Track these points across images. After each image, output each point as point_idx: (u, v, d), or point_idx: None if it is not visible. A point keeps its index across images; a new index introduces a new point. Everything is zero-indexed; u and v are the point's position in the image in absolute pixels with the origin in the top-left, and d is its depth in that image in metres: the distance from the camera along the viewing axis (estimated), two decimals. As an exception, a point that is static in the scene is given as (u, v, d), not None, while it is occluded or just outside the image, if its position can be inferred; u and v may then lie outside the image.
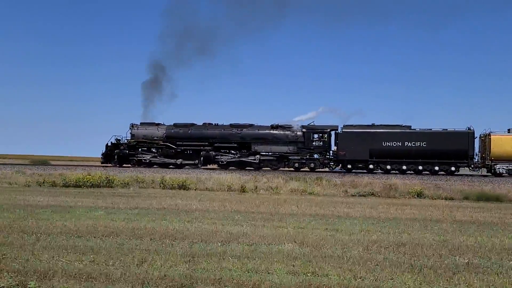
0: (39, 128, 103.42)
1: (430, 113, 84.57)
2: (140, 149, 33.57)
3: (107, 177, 20.43)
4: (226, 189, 19.54)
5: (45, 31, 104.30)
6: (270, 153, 32.75)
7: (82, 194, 16.62)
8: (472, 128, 30.14)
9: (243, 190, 19.09)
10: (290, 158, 32.26)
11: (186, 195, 17.07)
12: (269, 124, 33.21)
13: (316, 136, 32.30)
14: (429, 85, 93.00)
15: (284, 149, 32.44)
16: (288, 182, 20.85)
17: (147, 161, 33.00)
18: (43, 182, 20.27)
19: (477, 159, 30.45)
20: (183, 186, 19.88)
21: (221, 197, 16.27)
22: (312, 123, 33.08)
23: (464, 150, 29.70)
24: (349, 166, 31.39)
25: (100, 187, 19.63)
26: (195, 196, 16.65)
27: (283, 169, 32.69)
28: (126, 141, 33.94)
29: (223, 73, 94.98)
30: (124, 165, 33.50)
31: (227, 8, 65.88)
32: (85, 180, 19.67)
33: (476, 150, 30.32)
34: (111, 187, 19.89)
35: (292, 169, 32.25)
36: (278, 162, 32.53)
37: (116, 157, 33.33)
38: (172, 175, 22.55)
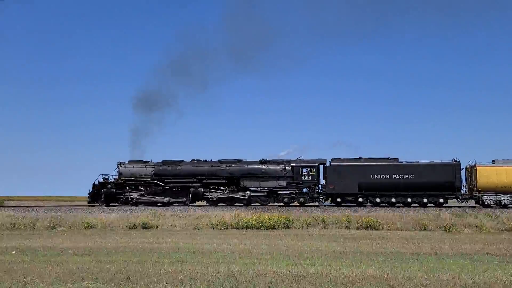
0: (19, 168, 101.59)
1: (414, 144, 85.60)
2: (127, 188, 33.19)
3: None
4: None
5: (29, 69, 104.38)
6: (259, 189, 32.63)
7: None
8: (458, 160, 30.57)
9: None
10: (280, 193, 32.16)
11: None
12: (257, 160, 33.24)
13: (304, 170, 32.37)
14: (413, 116, 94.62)
15: (273, 184, 32.37)
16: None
17: (133, 200, 32.56)
18: None
19: (465, 191, 30.71)
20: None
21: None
22: (300, 158, 33.25)
23: (451, 182, 29.96)
24: (338, 200, 31.39)
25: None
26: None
27: (273, 204, 32.54)
28: (113, 179, 33.55)
29: (210, 110, 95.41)
30: (111, 204, 33.01)
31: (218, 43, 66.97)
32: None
33: (463, 181, 30.64)
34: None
35: (281, 204, 32.12)
36: (268, 198, 32.39)
37: (103, 196, 32.85)
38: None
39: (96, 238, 16.50)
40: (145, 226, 21.09)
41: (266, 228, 20.37)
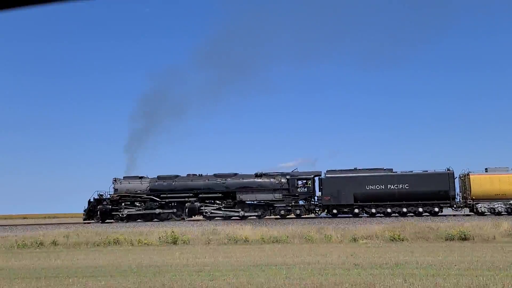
0: (16, 185, 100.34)
1: (408, 154, 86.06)
2: (123, 204, 33.10)
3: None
4: None
5: (23, 84, 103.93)
6: (255, 202, 32.69)
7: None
8: (451, 169, 30.92)
9: None
10: (276, 206, 32.24)
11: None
12: (253, 173, 33.37)
13: (300, 182, 32.54)
14: (407, 127, 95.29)
15: (269, 197, 32.46)
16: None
17: (125, 215, 32.46)
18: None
19: (459, 199, 31.01)
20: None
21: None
22: (295, 170, 33.43)
23: (445, 191, 30.25)
24: (334, 211, 31.52)
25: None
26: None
27: (269, 217, 32.59)
28: (109, 196, 33.45)
29: (206, 123, 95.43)
30: (107, 220, 32.86)
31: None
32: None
33: (457, 190, 30.95)
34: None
35: (278, 216, 32.18)
36: (264, 210, 32.45)
37: (98, 213, 32.71)
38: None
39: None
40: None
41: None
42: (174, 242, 20.00)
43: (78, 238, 21.35)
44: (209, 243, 19.90)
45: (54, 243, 20.51)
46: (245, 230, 21.91)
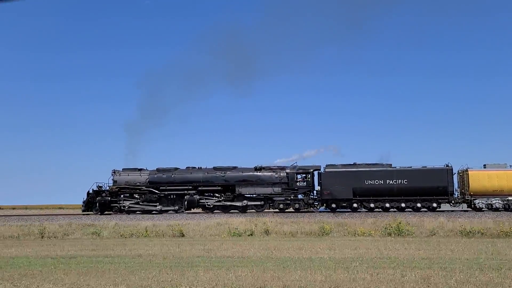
0: (14, 176, 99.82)
1: (407, 149, 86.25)
2: (122, 196, 33.08)
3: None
4: None
5: (23, 73, 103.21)
6: (254, 195, 32.74)
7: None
8: (450, 165, 31.06)
9: None
10: (275, 199, 32.31)
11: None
12: (252, 166, 33.40)
13: (299, 176, 32.62)
14: (406, 122, 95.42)
15: (268, 190, 32.52)
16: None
17: (126, 207, 32.46)
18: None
19: (457, 195, 31.19)
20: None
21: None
22: (295, 164, 33.50)
23: (443, 186, 30.41)
24: (333, 206, 31.64)
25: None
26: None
27: (268, 210, 32.67)
28: (108, 187, 33.41)
29: (205, 116, 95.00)
30: (106, 212, 32.87)
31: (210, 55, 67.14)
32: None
33: (456, 186, 31.13)
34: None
35: (277, 210, 32.27)
36: (263, 204, 32.52)
37: (97, 204, 32.69)
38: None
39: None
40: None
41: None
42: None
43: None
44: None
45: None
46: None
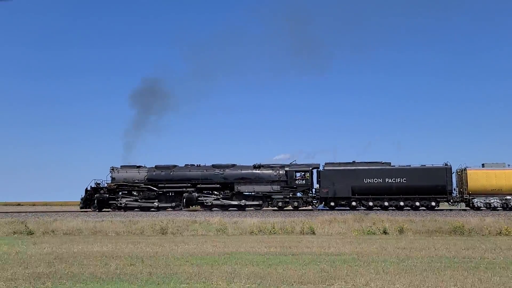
0: (12, 173, 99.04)
1: (406, 148, 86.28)
2: (120, 193, 32.96)
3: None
4: None
5: (21, 70, 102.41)
6: (253, 193, 32.70)
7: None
8: (449, 164, 31.13)
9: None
10: (274, 197, 32.28)
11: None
12: (251, 164, 33.35)
13: (298, 174, 32.58)
14: (405, 121, 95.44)
15: (267, 188, 32.48)
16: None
17: (123, 205, 32.34)
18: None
19: (456, 194, 31.27)
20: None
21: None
22: (294, 162, 33.46)
23: (442, 185, 30.48)
24: (332, 204, 31.65)
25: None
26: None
27: (267, 208, 32.66)
28: (106, 185, 33.27)
29: (205, 114, 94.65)
30: (104, 209, 32.74)
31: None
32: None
33: (454, 185, 31.18)
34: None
35: (275, 208, 32.25)
36: (262, 202, 32.48)
37: (95, 201, 32.56)
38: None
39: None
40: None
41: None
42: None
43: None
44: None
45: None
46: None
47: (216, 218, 23.40)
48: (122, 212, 30.61)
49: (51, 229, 20.14)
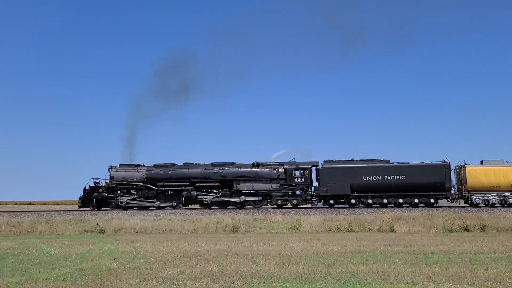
0: (11, 172, 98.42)
1: (405, 145, 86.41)
2: (119, 192, 32.84)
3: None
4: None
5: (20, 70, 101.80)
6: (252, 191, 32.66)
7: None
8: (447, 161, 31.20)
9: None
10: (273, 196, 32.25)
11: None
12: (250, 162, 33.28)
13: (297, 172, 32.55)
14: (404, 118, 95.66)
15: (266, 186, 32.44)
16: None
17: (123, 204, 32.26)
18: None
19: (454, 191, 31.34)
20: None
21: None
22: (293, 160, 33.45)
23: (441, 182, 30.53)
24: (331, 202, 31.65)
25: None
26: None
27: (266, 206, 32.62)
28: (104, 183, 33.14)
29: (203, 112, 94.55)
30: (103, 208, 32.61)
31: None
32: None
33: (453, 181, 31.25)
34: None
35: (275, 206, 32.22)
36: (261, 200, 32.44)
37: (94, 200, 32.42)
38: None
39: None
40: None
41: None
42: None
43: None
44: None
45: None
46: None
47: (277, 216, 22.95)
48: (177, 210, 30.47)
49: (118, 227, 20.38)
